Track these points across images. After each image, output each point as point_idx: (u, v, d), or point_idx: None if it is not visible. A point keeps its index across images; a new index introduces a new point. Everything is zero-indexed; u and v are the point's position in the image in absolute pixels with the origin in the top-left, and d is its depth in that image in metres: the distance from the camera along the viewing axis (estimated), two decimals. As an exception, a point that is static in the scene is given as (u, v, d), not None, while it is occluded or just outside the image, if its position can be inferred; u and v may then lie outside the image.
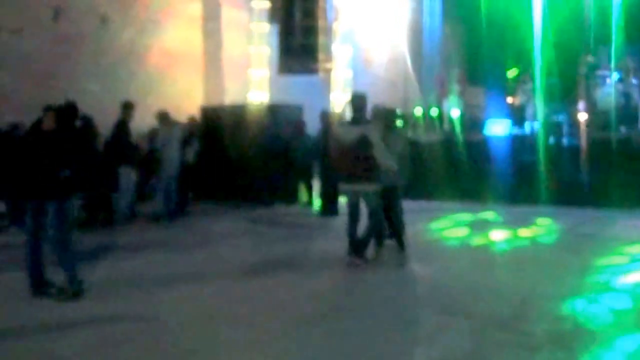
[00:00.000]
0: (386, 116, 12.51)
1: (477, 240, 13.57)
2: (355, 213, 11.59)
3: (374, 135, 11.23)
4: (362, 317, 8.57)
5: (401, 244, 12.37)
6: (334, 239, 13.28)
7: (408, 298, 9.66)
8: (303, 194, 18.53)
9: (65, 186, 9.49)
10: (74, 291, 9.51)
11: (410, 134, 19.41)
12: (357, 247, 11.52)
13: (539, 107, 20.90)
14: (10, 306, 9.36)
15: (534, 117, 21.03)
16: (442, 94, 23.95)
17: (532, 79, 21.77)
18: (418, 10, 25.90)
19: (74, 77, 18.92)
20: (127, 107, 16.06)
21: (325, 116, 17.25)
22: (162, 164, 16.37)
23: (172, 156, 16.39)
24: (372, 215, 11.51)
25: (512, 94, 23.39)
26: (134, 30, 20.87)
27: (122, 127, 15.89)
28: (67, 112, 10.02)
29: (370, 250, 11.79)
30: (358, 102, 11.52)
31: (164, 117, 16.68)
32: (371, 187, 11.32)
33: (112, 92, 19.38)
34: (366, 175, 11.25)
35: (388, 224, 12.37)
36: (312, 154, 17.38)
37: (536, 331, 8.03)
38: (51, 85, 17.84)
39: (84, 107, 15.36)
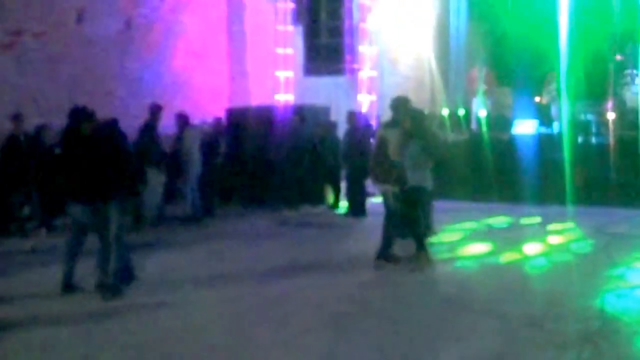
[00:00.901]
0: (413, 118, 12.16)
1: (506, 240, 13.41)
2: (392, 213, 11.60)
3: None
4: (391, 317, 8.61)
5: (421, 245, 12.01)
6: (362, 240, 13.29)
7: (438, 298, 9.64)
8: (331, 195, 18.39)
9: (125, 186, 9.94)
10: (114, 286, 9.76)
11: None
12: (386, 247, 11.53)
13: (565, 106, 20.60)
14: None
15: (560, 117, 20.77)
16: (471, 94, 23.75)
17: (557, 79, 21.53)
18: (444, 10, 25.70)
19: (99, 80, 18.89)
20: (155, 110, 15.95)
21: (352, 117, 17.15)
22: (187, 165, 16.29)
23: (195, 158, 16.31)
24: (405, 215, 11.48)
25: (539, 93, 23.21)
26: (159, 32, 20.83)
27: (149, 129, 15.79)
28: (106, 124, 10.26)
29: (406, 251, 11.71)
30: (395, 104, 11.72)
31: (183, 119, 16.58)
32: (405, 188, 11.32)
33: (137, 94, 19.45)
34: (399, 177, 11.27)
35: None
36: (340, 155, 17.25)
37: (567, 330, 8.00)
38: (77, 88, 17.84)
39: (110, 110, 15.53)
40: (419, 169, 11.21)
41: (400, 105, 11.71)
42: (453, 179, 18.30)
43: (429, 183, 11.44)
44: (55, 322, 8.80)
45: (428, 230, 12.50)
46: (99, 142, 9.92)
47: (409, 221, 11.52)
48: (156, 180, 15.80)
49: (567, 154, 17.93)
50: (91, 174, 9.67)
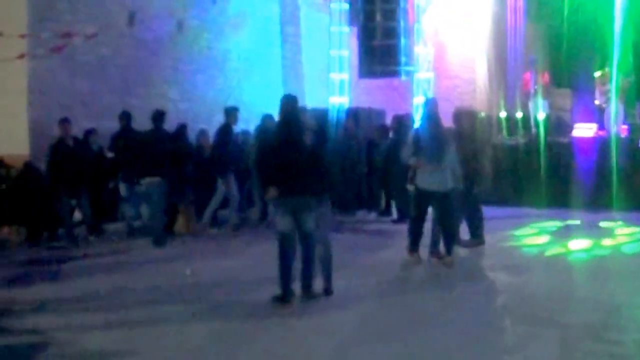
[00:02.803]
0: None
1: (562, 248, 13.12)
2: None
3: None
4: (449, 326, 8.50)
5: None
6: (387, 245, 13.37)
7: (495, 307, 9.60)
8: (384, 200, 17.75)
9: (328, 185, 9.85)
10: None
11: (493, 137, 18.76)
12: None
13: (619, 109, 20.00)
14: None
15: (617, 120, 20.00)
16: (528, 96, 23.04)
17: (610, 80, 20.78)
18: (501, 10, 24.99)
19: (151, 83, 18.74)
20: (231, 112, 15.59)
21: (397, 120, 16.65)
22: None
23: None
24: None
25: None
26: (211, 35, 20.55)
27: (226, 132, 15.45)
28: None
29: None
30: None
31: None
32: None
33: (190, 98, 19.40)
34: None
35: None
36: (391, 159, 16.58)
37: (625, 340, 7.92)
38: (128, 92, 17.79)
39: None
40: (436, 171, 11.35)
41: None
42: (512, 184, 17.75)
43: (441, 186, 11.41)
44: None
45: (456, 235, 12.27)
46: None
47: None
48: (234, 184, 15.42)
49: (623, 158, 17.50)
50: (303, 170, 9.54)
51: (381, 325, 8.55)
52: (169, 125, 15.26)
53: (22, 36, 15.98)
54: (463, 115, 12.81)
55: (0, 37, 15.75)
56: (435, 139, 11.42)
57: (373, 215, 17.46)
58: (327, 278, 9.82)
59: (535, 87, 22.50)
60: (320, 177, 9.58)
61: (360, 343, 7.96)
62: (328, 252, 9.84)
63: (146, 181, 14.15)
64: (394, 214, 16.85)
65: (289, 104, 9.87)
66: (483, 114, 18.43)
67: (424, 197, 11.58)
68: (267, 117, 15.39)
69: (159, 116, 14.60)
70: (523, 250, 13.13)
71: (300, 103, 10.35)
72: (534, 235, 14.52)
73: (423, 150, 11.39)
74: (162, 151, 14.30)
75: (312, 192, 9.49)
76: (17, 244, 14.34)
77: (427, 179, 11.45)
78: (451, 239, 11.70)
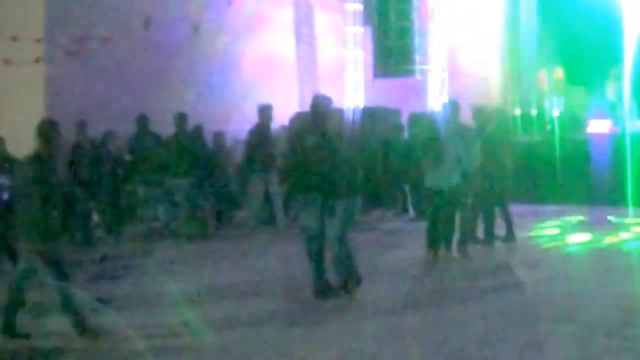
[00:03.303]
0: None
1: (578, 244, 13.11)
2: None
3: None
4: (467, 323, 8.51)
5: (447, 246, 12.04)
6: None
7: (515, 304, 9.49)
8: (400, 199, 17.67)
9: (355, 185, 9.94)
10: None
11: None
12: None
13: (632, 105, 20.05)
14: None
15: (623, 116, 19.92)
16: (543, 93, 22.94)
17: (621, 76, 20.70)
18: (514, 8, 24.87)
19: (168, 85, 18.65)
20: (264, 111, 15.49)
21: (413, 119, 16.56)
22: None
23: None
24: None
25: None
26: (227, 37, 20.47)
27: (263, 131, 15.44)
28: None
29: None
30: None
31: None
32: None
33: (207, 100, 19.25)
34: None
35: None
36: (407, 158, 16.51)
37: None
38: (145, 95, 17.67)
39: None
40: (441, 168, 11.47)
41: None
42: (527, 181, 17.67)
43: (445, 183, 11.53)
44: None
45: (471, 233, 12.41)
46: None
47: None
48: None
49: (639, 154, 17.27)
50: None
51: (399, 324, 8.55)
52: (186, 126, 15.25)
53: (39, 40, 16.02)
54: (483, 113, 12.80)
55: (17, 41, 15.85)
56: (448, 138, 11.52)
57: (390, 214, 17.34)
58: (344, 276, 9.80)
59: (550, 84, 22.39)
60: (348, 178, 9.67)
61: (381, 342, 7.92)
62: (343, 252, 9.77)
63: (170, 183, 14.17)
64: (411, 213, 16.74)
65: (321, 105, 9.92)
66: (505, 111, 18.29)
67: (433, 195, 11.72)
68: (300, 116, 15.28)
69: (182, 119, 14.72)
70: (539, 247, 13.06)
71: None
72: (549, 231, 14.45)
73: (432, 149, 11.54)
74: (187, 153, 14.36)
75: (340, 193, 9.57)
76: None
77: (432, 177, 11.62)
78: (450, 236, 11.83)
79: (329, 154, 9.59)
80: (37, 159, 8.26)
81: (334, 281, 9.79)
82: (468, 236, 12.21)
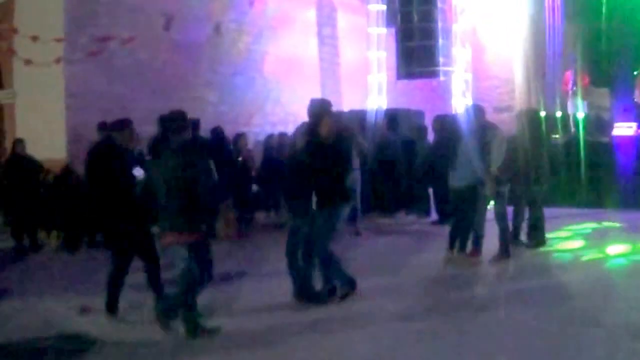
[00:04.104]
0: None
1: (603, 248, 12.61)
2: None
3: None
4: (491, 328, 8.35)
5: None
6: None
7: (537, 308, 9.18)
8: (423, 202, 17.33)
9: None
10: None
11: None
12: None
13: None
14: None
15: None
16: (567, 95, 22.56)
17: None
18: (539, 10, 24.52)
19: (190, 86, 18.64)
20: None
21: (438, 122, 16.25)
22: None
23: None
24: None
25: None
26: (249, 37, 20.41)
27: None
28: None
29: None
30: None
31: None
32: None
33: (229, 100, 19.30)
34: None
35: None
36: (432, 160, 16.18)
37: None
38: (166, 95, 17.50)
39: (202, 116, 15.02)
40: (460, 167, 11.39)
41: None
42: (551, 183, 17.33)
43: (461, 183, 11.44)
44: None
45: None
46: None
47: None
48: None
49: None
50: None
51: (419, 326, 8.46)
52: (207, 129, 15.04)
53: (59, 40, 15.93)
54: (524, 115, 12.71)
55: (37, 41, 15.71)
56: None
57: (412, 217, 17.01)
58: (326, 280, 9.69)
59: (575, 86, 22.04)
60: (333, 186, 9.41)
61: (401, 345, 7.87)
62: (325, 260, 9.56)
63: None
64: (433, 215, 16.47)
65: (314, 108, 9.70)
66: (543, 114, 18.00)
67: (454, 195, 11.64)
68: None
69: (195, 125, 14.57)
70: (563, 250, 12.79)
71: (337, 105, 10.02)
72: (574, 235, 14.12)
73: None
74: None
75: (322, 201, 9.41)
76: (56, 249, 14.22)
77: (452, 176, 11.59)
78: (466, 235, 11.62)
79: (320, 160, 9.29)
80: (183, 148, 8.25)
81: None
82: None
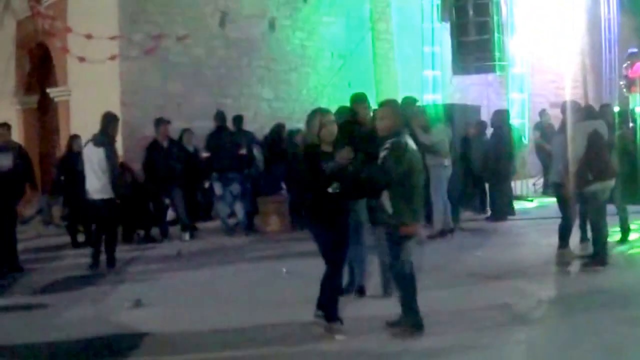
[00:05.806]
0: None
1: None
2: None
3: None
4: (546, 326, 8.24)
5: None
6: (511, 245, 12.80)
7: (591, 306, 8.83)
8: (480, 198, 16.81)
9: None
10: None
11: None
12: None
13: None
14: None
15: None
16: (628, 90, 21.82)
17: None
18: (595, 3, 23.85)
19: (245, 83, 18.52)
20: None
21: (498, 116, 15.74)
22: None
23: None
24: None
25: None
26: (304, 33, 20.20)
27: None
28: None
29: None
30: None
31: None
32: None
33: (284, 97, 19.19)
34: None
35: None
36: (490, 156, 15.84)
37: None
38: (221, 92, 17.58)
39: (257, 113, 14.73)
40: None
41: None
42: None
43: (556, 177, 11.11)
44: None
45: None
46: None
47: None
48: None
49: None
50: None
51: (468, 327, 8.01)
52: (262, 124, 14.79)
53: (114, 38, 15.83)
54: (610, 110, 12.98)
55: (92, 39, 15.53)
56: None
57: (468, 213, 16.53)
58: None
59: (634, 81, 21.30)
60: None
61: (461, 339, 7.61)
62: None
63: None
64: (488, 212, 16.16)
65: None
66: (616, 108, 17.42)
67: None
68: None
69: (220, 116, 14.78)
70: (621, 248, 12.15)
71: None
72: (632, 232, 13.20)
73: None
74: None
75: None
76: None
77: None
78: (563, 232, 11.08)
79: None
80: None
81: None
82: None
